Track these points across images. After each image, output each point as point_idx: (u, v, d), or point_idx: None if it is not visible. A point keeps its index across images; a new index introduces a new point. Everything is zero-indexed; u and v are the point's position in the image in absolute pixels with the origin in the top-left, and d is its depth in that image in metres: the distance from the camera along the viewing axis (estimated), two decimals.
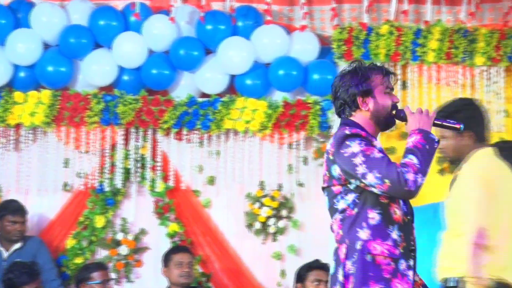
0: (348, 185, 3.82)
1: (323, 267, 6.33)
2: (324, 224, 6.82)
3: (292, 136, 6.90)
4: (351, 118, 3.93)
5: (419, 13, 6.90)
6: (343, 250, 3.81)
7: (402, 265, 3.77)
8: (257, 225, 6.94)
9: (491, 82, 6.77)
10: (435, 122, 3.91)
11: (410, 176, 3.68)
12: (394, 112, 3.92)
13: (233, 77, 6.90)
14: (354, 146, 3.75)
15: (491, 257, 4.48)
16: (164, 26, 6.82)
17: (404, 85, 6.85)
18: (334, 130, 6.76)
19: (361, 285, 3.73)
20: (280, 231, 6.94)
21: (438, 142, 3.84)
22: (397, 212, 3.82)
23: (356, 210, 3.81)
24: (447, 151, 4.71)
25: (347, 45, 6.79)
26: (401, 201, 3.84)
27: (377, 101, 3.90)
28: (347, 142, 3.77)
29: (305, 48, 6.89)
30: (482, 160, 4.60)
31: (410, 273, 3.78)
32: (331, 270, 3.86)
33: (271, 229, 6.93)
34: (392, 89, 3.97)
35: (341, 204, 3.86)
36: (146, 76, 6.90)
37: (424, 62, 6.73)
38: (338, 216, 3.87)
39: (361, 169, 3.72)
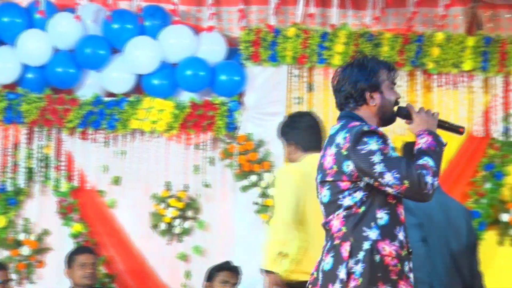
0: (359, 183, 3.69)
1: (233, 269, 6.34)
2: (229, 225, 6.92)
3: (199, 136, 6.88)
4: (356, 112, 3.82)
5: (325, 16, 6.97)
6: (346, 248, 3.67)
7: (406, 266, 3.72)
8: (163, 226, 6.89)
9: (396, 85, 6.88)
10: (439, 123, 3.85)
11: (429, 179, 3.62)
12: (396, 108, 3.84)
13: (140, 76, 6.86)
14: (373, 144, 3.63)
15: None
16: (70, 24, 6.72)
17: (310, 88, 6.91)
18: (241, 131, 6.81)
19: (369, 285, 3.62)
20: (186, 232, 6.91)
21: (445, 145, 3.78)
22: (402, 213, 3.76)
23: (363, 208, 3.69)
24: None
25: (254, 47, 6.82)
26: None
27: (384, 96, 3.80)
28: (365, 139, 3.65)
29: (212, 49, 6.89)
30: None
31: (411, 275, 3.74)
32: (326, 266, 3.72)
33: (177, 230, 6.90)
34: (395, 84, 3.90)
35: (347, 201, 3.71)
36: (50, 74, 6.79)
37: (330, 65, 6.81)
38: (341, 213, 3.72)
39: (379, 168, 3.62)
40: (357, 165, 3.65)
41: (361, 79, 3.79)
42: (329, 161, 3.75)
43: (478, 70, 6.77)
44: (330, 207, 3.76)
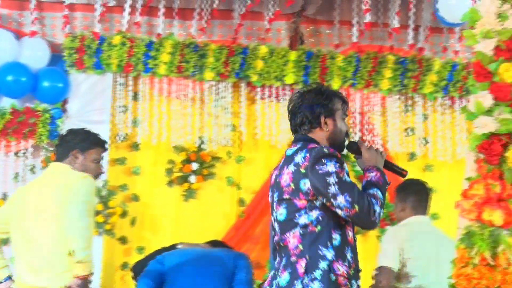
0: (315, 202, 3.83)
1: None
2: None
3: (19, 144, 6.69)
4: (310, 134, 3.98)
5: (151, 25, 6.94)
6: (302, 265, 3.79)
7: (354, 285, 3.85)
8: None
9: (219, 96, 6.95)
10: (385, 163, 4.05)
11: (377, 209, 3.79)
12: (347, 141, 4.04)
13: None
14: (330, 166, 3.79)
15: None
16: None
17: (135, 97, 6.88)
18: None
19: None
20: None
21: (389, 184, 3.96)
22: (349, 234, 3.89)
23: (319, 228, 3.83)
24: None
25: (78, 54, 6.71)
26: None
27: (336, 124, 4.00)
28: (324, 160, 3.81)
29: (35, 55, 6.71)
30: None
31: None
32: (283, 282, 3.81)
33: None
34: (347, 116, 4.08)
35: (303, 219, 3.85)
36: None
37: (155, 75, 6.80)
38: (298, 231, 3.85)
39: (333, 189, 3.77)
40: (314, 184, 3.80)
41: (318, 104, 3.98)
42: (286, 179, 3.89)
43: (300, 84, 6.93)
44: (286, 225, 3.89)
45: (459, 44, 7.14)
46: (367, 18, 6.34)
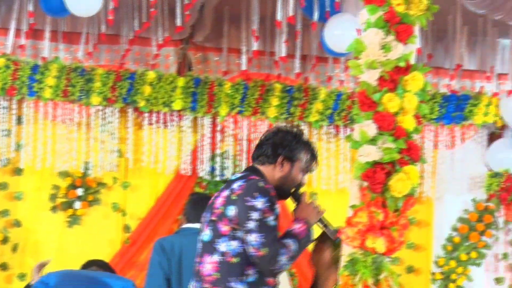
0: (237, 232, 3.82)
1: None
2: None
3: None
4: (262, 167, 3.99)
5: (37, 48, 6.82)
6: None
7: None
8: None
9: (106, 122, 6.88)
10: (318, 222, 4.03)
11: (284, 260, 3.77)
12: (293, 190, 4.03)
13: None
14: (260, 202, 3.78)
15: None
16: None
17: (19, 121, 6.73)
18: None
19: None
20: None
21: (312, 241, 3.95)
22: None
23: (237, 260, 3.82)
24: None
25: None
26: None
27: (291, 171, 4.00)
28: (256, 194, 3.79)
29: None
30: None
31: None
32: None
33: None
34: (309, 172, 4.08)
35: (222, 247, 3.85)
36: None
37: (40, 98, 6.68)
38: (216, 258, 3.85)
39: (251, 225, 3.76)
40: (239, 213, 3.81)
41: (284, 145, 3.99)
42: (220, 202, 3.90)
43: (187, 110, 6.94)
44: (207, 247, 3.90)
45: (344, 74, 7.29)
46: (255, 46, 6.41)
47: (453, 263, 7.38)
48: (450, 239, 7.49)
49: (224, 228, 3.88)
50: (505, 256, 7.60)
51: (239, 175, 4.00)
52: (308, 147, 4.10)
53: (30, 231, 6.76)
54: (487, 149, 7.59)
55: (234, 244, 3.86)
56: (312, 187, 7.33)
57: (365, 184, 3.64)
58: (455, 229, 7.52)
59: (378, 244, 3.45)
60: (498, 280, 7.60)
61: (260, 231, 3.79)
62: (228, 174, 7.00)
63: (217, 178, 7.02)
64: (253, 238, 3.79)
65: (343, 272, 3.43)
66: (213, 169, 7.02)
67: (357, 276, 3.38)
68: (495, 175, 7.50)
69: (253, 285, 3.84)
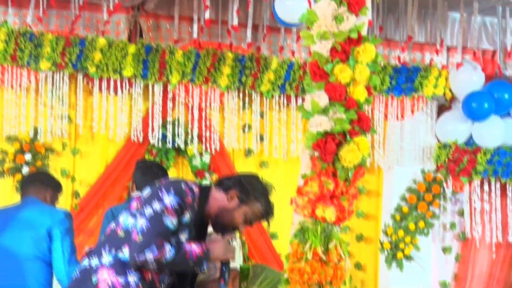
0: (139, 212, 3.88)
1: None
2: None
3: None
4: (214, 189, 4.02)
5: None
6: (86, 249, 4.05)
7: None
8: None
9: (55, 87, 6.80)
10: (224, 259, 4.05)
11: (149, 256, 3.78)
12: (226, 229, 4.03)
13: None
14: (169, 198, 3.83)
15: None
16: None
17: None
18: None
19: None
20: None
21: (201, 271, 3.94)
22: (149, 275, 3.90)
23: (122, 234, 3.92)
24: None
25: None
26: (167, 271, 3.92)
27: (235, 212, 4.00)
28: (172, 189, 3.86)
29: None
30: None
31: None
32: None
33: None
34: (250, 224, 4.05)
35: (121, 218, 3.99)
36: None
37: None
38: (112, 224, 4.03)
39: (147, 211, 3.81)
40: (147, 195, 3.90)
41: (245, 188, 4.01)
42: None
43: (138, 77, 6.89)
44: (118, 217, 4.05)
45: (296, 44, 7.30)
46: (207, 15, 6.38)
47: (401, 233, 7.47)
48: (398, 209, 7.58)
49: (134, 204, 3.99)
50: (453, 226, 7.72)
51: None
52: (267, 206, 4.08)
53: None
54: (436, 121, 7.67)
55: (129, 221, 3.95)
56: (264, 155, 7.36)
57: (316, 154, 3.66)
58: (403, 199, 7.61)
59: (328, 213, 3.48)
60: (445, 250, 7.73)
61: (150, 220, 3.84)
62: (179, 142, 6.99)
63: (168, 146, 7.00)
64: (140, 222, 3.85)
65: (293, 240, 3.45)
66: (164, 137, 7.00)
67: (307, 244, 3.40)
68: (443, 146, 7.59)
69: (122, 263, 3.90)
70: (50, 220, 5.01)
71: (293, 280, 3.37)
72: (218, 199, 4.04)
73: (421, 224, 7.50)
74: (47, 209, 5.14)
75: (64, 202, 6.87)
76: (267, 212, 4.07)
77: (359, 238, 7.58)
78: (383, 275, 7.53)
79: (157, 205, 3.83)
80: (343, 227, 3.62)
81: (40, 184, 5.31)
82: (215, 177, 7.06)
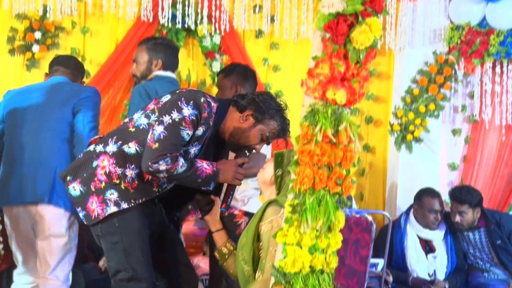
0: (153, 114, 3.99)
1: None
2: None
3: None
4: (231, 109, 4.06)
5: None
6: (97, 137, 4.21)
7: (112, 195, 3.98)
8: None
9: None
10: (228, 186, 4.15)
11: (162, 167, 3.84)
12: (243, 149, 4.10)
13: None
14: (188, 110, 3.88)
15: None
16: None
17: None
18: None
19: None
20: None
21: (207, 190, 4.04)
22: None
23: (132, 130, 4.02)
24: None
25: None
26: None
27: (250, 131, 4.05)
28: (191, 102, 3.89)
29: None
30: None
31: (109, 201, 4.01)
32: None
33: None
34: (268, 143, 4.11)
35: (136, 115, 4.10)
36: None
37: None
38: (126, 119, 4.19)
39: (166, 119, 3.86)
40: (166, 102, 3.95)
41: (260, 105, 4.05)
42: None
43: None
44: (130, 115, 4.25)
45: None
46: None
47: (411, 115, 7.47)
48: (409, 91, 7.56)
49: (150, 106, 4.05)
50: (463, 108, 7.71)
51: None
52: (280, 120, 4.13)
53: None
54: (450, 2, 7.56)
55: (142, 120, 4.02)
56: (275, 36, 7.29)
57: (327, 35, 3.62)
58: (414, 81, 7.57)
59: (339, 95, 3.47)
60: (455, 132, 7.74)
61: (167, 129, 3.88)
62: (189, 22, 6.92)
63: (178, 26, 6.93)
64: (158, 129, 3.89)
65: (303, 122, 3.46)
66: (173, 17, 6.92)
67: (317, 126, 3.41)
68: (456, 28, 7.50)
69: (125, 155, 4.00)
70: (77, 96, 5.10)
71: (302, 162, 3.39)
72: (234, 119, 4.08)
73: (432, 106, 7.49)
74: (76, 86, 5.28)
75: None
76: (283, 129, 4.14)
77: (369, 120, 7.59)
78: (392, 157, 7.58)
79: (176, 115, 3.87)
80: (353, 109, 3.63)
81: (67, 65, 5.43)
82: (225, 58, 7.01)
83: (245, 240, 3.89)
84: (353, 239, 5.41)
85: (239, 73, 5.73)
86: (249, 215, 4.33)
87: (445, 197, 7.21)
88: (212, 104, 4.02)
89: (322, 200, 3.38)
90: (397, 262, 6.81)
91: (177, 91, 4.02)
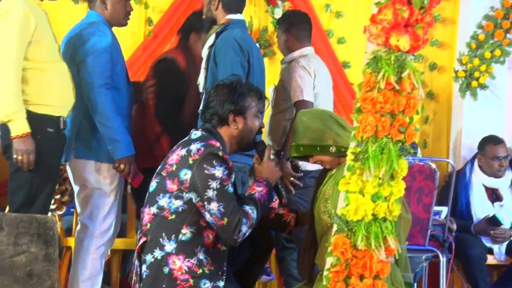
0: (184, 193, 3.86)
1: None
2: None
3: None
4: (218, 129, 4.01)
5: None
6: (141, 242, 3.92)
7: (206, 284, 3.89)
8: None
9: None
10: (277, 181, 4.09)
11: (244, 229, 3.83)
12: (256, 140, 4.09)
13: None
14: (218, 171, 3.82)
15: None
16: None
17: None
18: None
19: None
20: None
21: (273, 201, 4.04)
22: (209, 237, 3.91)
23: (173, 217, 3.88)
24: None
25: None
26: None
27: (246, 122, 4.03)
28: (215, 162, 3.83)
29: None
30: None
31: None
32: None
33: None
34: (262, 113, 4.08)
35: (163, 202, 3.90)
36: None
37: None
38: (154, 209, 3.92)
39: (211, 194, 3.80)
40: (194, 179, 3.84)
41: (228, 101, 4.00)
42: (174, 159, 3.93)
43: None
44: (150, 198, 3.97)
45: None
46: None
47: (476, 61, 7.35)
48: (474, 37, 7.43)
49: (171, 186, 3.92)
50: None
51: (199, 134, 3.99)
52: (250, 91, 4.08)
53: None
54: None
55: (176, 203, 3.91)
56: None
57: None
58: (480, 26, 7.43)
59: (402, 41, 3.42)
60: None
61: (219, 200, 3.83)
62: None
63: None
64: (213, 207, 3.83)
65: (365, 69, 3.43)
66: None
67: (380, 73, 3.38)
68: None
69: (185, 244, 3.90)
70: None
71: (365, 109, 3.37)
72: (229, 132, 4.07)
73: (497, 52, 7.36)
74: None
75: (138, 29, 6.91)
76: (258, 92, 4.13)
77: (433, 67, 7.49)
78: (456, 105, 7.49)
79: (214, 184, 3.84)
80: (416, 56, 3.58)
81: None
82: (287, 4, 6.97)
83: (331, 192, 3.89)
84: (416, 186, 5.39)
85: (284, 20, 5.72)
86: (295, 211, 4.32)
87: (511, 144, 7.12)
88: (219, 145, 3.99)
89: (384, 148, 3.36)
90: (461, 211, 6.76)
91: (189, 160, 3.89)
